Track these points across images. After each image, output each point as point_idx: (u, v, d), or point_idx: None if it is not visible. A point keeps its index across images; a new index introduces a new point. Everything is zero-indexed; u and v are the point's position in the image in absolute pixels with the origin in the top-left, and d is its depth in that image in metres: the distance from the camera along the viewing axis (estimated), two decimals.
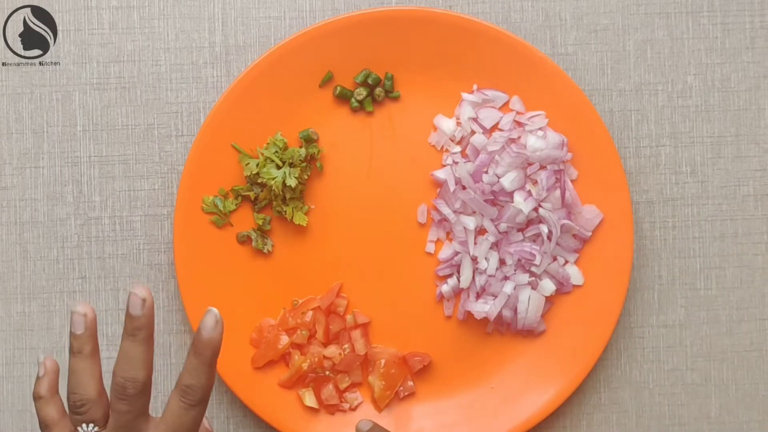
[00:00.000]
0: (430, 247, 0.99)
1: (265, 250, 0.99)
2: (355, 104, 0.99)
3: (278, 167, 0.97)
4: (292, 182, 0.96)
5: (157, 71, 1.01)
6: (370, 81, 0.98)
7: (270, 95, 0.98)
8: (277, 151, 0.97)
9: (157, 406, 0.99)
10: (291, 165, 0.97)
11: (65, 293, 1.01)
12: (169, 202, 1.00)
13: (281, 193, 0.97)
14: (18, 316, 1.01)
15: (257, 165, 0.97)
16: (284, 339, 0.98)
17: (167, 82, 1.01)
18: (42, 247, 1.01)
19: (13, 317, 1.01)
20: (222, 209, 0.98)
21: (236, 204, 0.98)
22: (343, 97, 0.99)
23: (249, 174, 0.97)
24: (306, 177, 0.98)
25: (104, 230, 1.01)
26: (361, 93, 0.99)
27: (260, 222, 0.98)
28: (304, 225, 0.98)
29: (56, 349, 1.00)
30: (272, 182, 0.96)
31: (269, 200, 0.98)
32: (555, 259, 0.98)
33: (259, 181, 0.97)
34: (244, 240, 0.99)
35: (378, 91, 0.99)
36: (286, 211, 0.98)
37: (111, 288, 1.01)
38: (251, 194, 0.98)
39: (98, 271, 1.01)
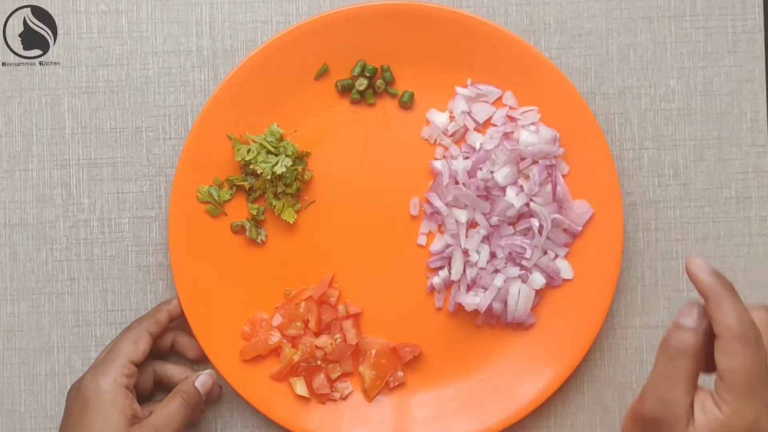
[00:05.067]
0: (422, 240, 1.00)
1: (259, 240, 0.99)
2: (356, 95, 1.00)
3: (273, 155, 0.97)
4: (280, 169, 0.96)
5: (145, 75, 1.01)
6: (366, 72, 0.99)
7: (266, 87, 0.98)
8: (272, 141, 0.97)
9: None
10: (287, 156, 0.98)
11: (54, 294, 1.01)
12: (157, 204, 1.01)
13: (273, 180, 0.98)
14: (7, 317, 1.01)
15: (248, 151, 0.97)
16: (275, 337, 0.98)
17: (155, 86, 1.01)
18: (31, 249, 1.01)
19: (3, 318, 1.00)
20: (217, 199, 0.98)
21: (231, 194, 0.99)
22: (346, 90, 0.99)
23: (240, 159, 0.97)
24: (307, 177, 0.99)
25: (93, 232, 1.01)
26: (363, 83, 0.99)
27: (254, 212, 0.99)
28: (291, 222, 0.99)
29: (45, 350, 1.00)
30: (263, 167, 0.96)
31: (263, 190, 0.99)
32: (545, 252, 0.98)
33: (251, 168, 0.97)
34: (238, 230, 0.99)
35: (379, 82, 0.99)
36: (275, 206, 0.99)
37: (99, 290, 1.01)
38: (246, 184, 0.99)
39: (87, 273, 1.01)
